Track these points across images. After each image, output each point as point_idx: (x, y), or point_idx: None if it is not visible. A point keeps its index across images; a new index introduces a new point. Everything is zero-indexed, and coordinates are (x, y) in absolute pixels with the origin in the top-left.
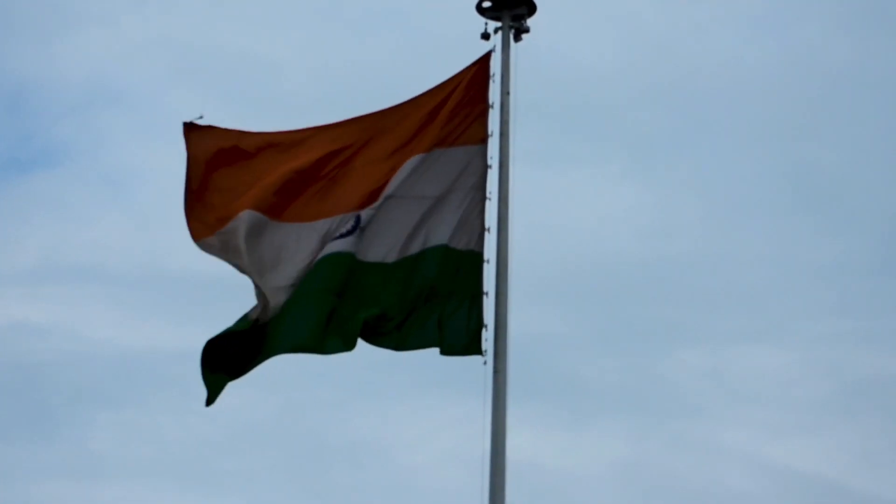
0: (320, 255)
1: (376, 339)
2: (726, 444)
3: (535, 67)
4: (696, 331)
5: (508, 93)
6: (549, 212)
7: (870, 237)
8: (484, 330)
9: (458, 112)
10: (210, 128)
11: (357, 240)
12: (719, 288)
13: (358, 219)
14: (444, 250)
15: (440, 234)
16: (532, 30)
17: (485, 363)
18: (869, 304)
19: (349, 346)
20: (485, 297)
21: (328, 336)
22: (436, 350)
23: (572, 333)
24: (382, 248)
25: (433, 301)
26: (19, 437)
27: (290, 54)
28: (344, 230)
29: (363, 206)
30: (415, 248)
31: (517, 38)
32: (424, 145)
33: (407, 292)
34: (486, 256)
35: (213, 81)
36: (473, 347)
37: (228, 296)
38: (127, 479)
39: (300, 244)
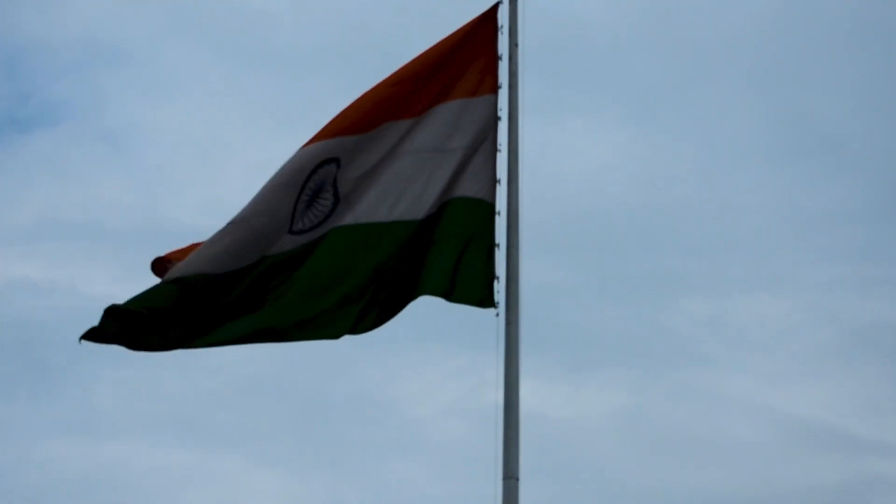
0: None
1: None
2: (728, 392)
3: (534, 18)
4: (697, 279)
5: (517, 45)
6: (549, 162)
7: (868, 183)
8: (496, 282)
9: (467, 64)
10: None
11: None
12: (719, 236)
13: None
14: (463, 201)
15: (461, 186)
16: None
17: (497, 315)
18: (869, 250)
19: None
20: (496, 248)
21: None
22: (439, 300)
23: (573, 284)
24: (383, 207)
25: (445, 245)
26: (21, 395)
27: (286, 6)
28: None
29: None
30: (435, 202)
31: None
32: (431, 100)
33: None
34: (497, 208)
35: (208, 35)
36: (488, 300)
37: None
38: (130, 435)
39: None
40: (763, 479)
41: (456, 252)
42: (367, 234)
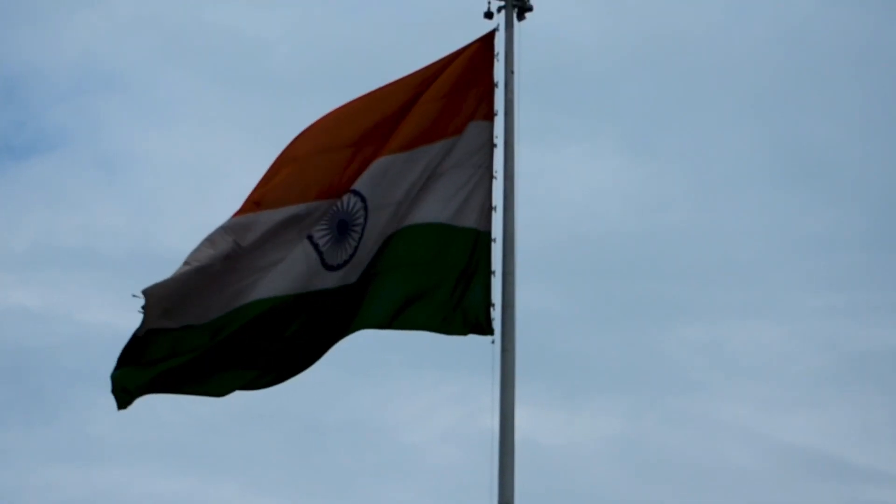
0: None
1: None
2: (724, 419)
3: (530, 46)
4: (692, 305)
5: (513, 72)
6: (544, 189)
7: (864, 209)
8: (492, 308)
9: (462, 92)
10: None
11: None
12: (714, 262)
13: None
14: (447, 228)
15: (442, 210)
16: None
17: (493, 342)
18: (864, 276)
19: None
20: (492, 275)
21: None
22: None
23: (567, 310)
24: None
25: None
26: (17, 422)
27: (280, 32)
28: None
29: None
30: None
31: (520, 17)
32: (421, 138)
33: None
34: (493, 235)
35: (203, 61)
36: (487, 327)
37: None
38: (126, 462)
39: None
40: None
41: (454, 284)
42: (435, 232)
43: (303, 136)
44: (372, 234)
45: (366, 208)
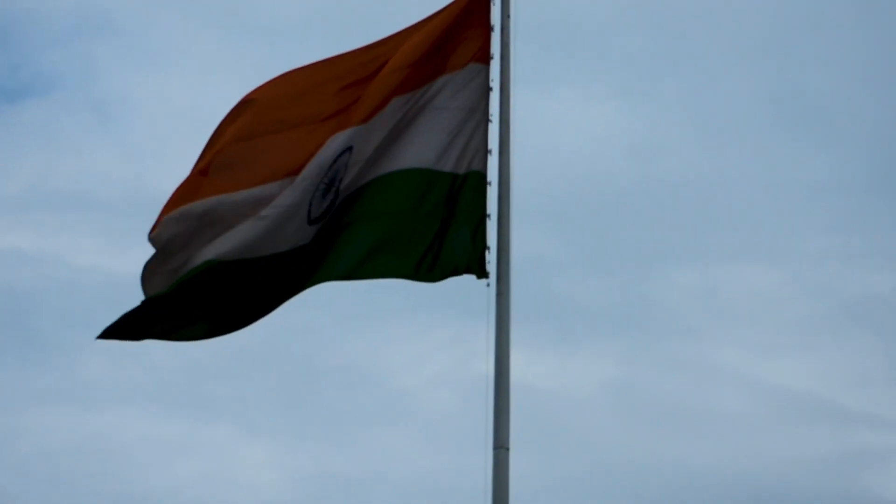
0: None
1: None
2: (718, 363)
3: None
4: (688, 251)
5: (509, 15)
6: (539, 133)
7: (859, 155)
8: (487, 252)
9: (462, 35)
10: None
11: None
12: (710, 207)
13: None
14: (420, 173)
15: (433, 156)
16: None
17: (488, 285)
18: (860, 222)
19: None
20: (487, 219)
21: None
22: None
23: (562, 254)
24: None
25: (432, 224)
26: (9, 364)
27: None
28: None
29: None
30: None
31: None
32: (421, 77)
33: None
34: (488, 178)
35: (198, 6)
36: (479, 270)
37: None
38: (118, 404)
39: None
40: (751, 450)
41: (446, 227)
42: (414, 177)
43: (269, 98)
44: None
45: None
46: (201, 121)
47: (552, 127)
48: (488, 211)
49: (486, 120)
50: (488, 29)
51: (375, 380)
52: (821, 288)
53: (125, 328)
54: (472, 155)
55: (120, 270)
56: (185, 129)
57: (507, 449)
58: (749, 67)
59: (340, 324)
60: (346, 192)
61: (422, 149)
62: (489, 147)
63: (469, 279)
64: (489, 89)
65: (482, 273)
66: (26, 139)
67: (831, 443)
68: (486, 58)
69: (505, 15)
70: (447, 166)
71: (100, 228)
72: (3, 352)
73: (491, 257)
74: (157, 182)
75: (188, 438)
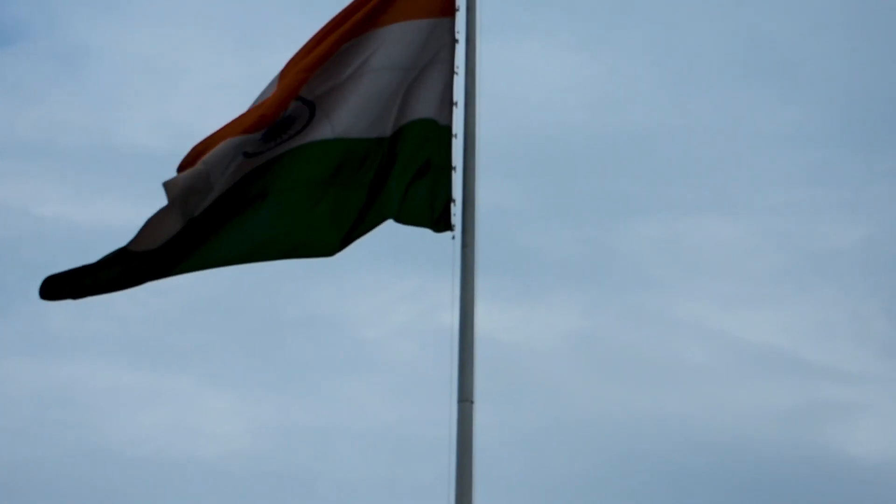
0: (285, 149)
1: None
2: (680, 315)
3: None
4: (651, 202)
5: None
6: (503, 85)
7: (826, 106)
8: (452, 204)
9: None
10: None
11: (325, 124)
12: (674, 159)
13: (313, 105)
14: (427, 123)
15: (421, 108)
16: None
17: (453, 238)
18: (825, 173)
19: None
20: (453, 171)
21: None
22: (392, 223)
23: (525, 206)
24: (362, 122)
25: (402, 168)
26: None
27: None
28: (299, 124)
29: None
30: (395, 123)
31: None
32: (385, 19)
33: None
34: (453, 131)
35: None
36: (443, 222)
37: None
38: (82, 355)
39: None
40: (714, 402)
41: (410, 175)
42: (349, 148)
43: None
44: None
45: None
46: (168, 70)
47: (516, 78)
48: (453, 163)
49: (452, 72)
50: None
51: (339, 330)
52: (785, 240)
53: (67, 285)
54: (438, 106)
55: (84, 220)
56: (152, 77)
57: (472, 402)
58: (714, 17)
59: (304, 274)
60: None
61: (359, 116)
62: (454, 99)
63: (432, 231)
64: (455, 41)
65: (447, 226)
66: None
67: (795, 396)
68: (451, 10)
69: None
70: (378, 132)
71: (64, 178)
72: None
73: (456, 209)
74: (124, 131)
75: (152, 389)
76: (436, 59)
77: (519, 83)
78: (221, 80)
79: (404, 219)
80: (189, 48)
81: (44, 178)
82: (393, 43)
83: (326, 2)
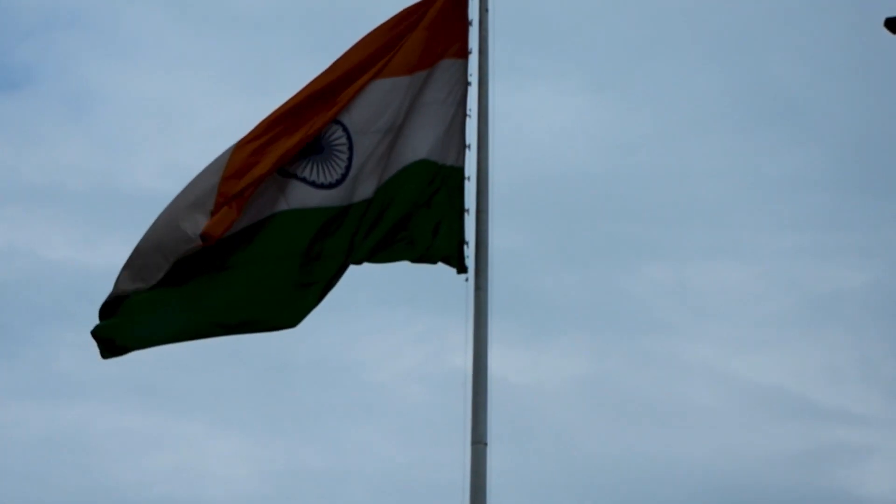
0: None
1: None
2: (690, 359)
3: None
4: (659, 246)
5: (487, 10)
6: (512, 127)
7: (830, 150)
8: (465, 247)
9: (437, 30)
10: None
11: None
12: (680, 203)
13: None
14: (426, 164)
15: (419, 148)
16: None
17: (466, 280)
18: (831, 217)
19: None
20: (466, 214)
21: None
22: (404, 265)
23: (533, 249)
24: (365, 185)
25: (414, 216)
26: None
27: None
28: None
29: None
30: (392, 171)
31: None
32: (400, 68)
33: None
34: (466, 173)
35: None
36: (459, 265)
37: None
38: (90, 398)
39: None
40: (723, 446)
41: (425, 218)
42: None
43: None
44: (366, 158)
45: (346, 130)
46: (174, 114)
47: (525, 121)
48: (466, 206)
49: (465, 115)
50: (466, 23)
51: (349, 374)
52: (792, 284)
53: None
54: (456, 150)
55: (91, 263)
56: (158, 122)
57: (486, 444)
58: (720, 61)
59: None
60: (369, 164)
61: (423, 141)
62: (467, 142)
63: (443, 274)
64: (468, 84)
65: (461, 268)
66: None
67: (803, 439)
68: (464, 53)
69: (483, 9)
70: (448, 160)
71: (71, 222)
72: None
73: (469, 252)
74: (130, 175)
75: (160, 432)
76: (446, 102)
77: (527, 126)
78: (228, 123)
79: (423, 258)
80: (196, 92)
81: (51, 222)
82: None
83: (334, 46)
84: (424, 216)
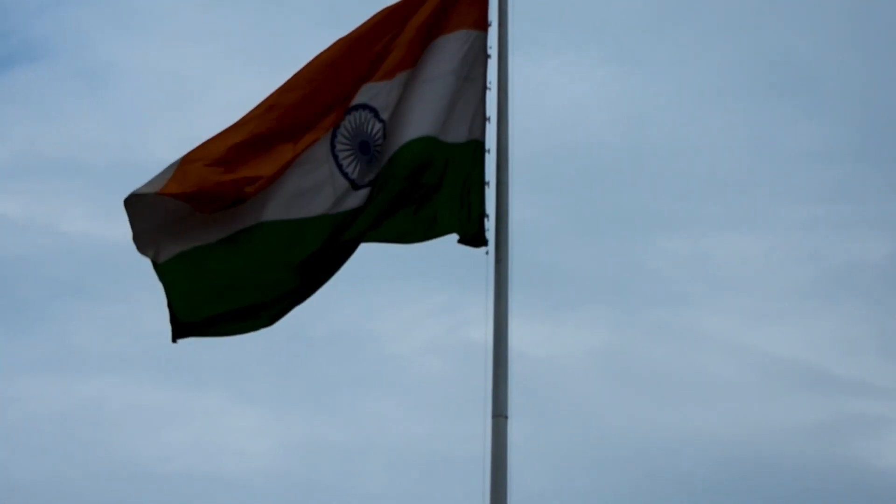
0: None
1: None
2: (707, 330)
3: None
4: (677, 218)
5: None
6: (531, 100)
7: (849, 122)
8: (486, 220)
9: (456, 2)
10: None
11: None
12: (699, 174)
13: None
14: (428, 141)
15: (422, 124)
16: None
17: (486, 253)
18: (849, 189)
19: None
20: (486, 187)
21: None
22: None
23: (551, 221)
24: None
25: (431, 191)
26: None
27: None
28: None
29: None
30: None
31: None
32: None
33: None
34: (486, 146)
35: None
36: (479, 238)
37: None
38: (108, 372)
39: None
40: (741, 417)
41: (443, 194)
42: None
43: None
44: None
45: (384, 126)
46: (190, 87)
47: (544, 94)
48: (486, 178)
49: (485, 87)
50: None
51: (367, 347)
52: (810, 255)
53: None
54: (471, 123)
55: (109, 237)
56: (175, 95)
57: (506, 417)
58: (737, 33)
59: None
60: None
61: (424, 117)
62: (487, 115)
63: (460, 246)
64: (488, 56)
65: (481, 241)
66: (14, 107)
67: (821, 410)
68: (484, 24)
69: None
70: (453, 136)
71: (88, 195)
72: None
73: (489, 225)
74: (147, 148)
75: (179, 405)
76: (464, 76)
77: (546, 98)
78: (245, 96)
79: (436, 232)
80: (212, 65)
81: (68, 196)
82: (436, 54)
83: (348, 20)
84: (443, 195)
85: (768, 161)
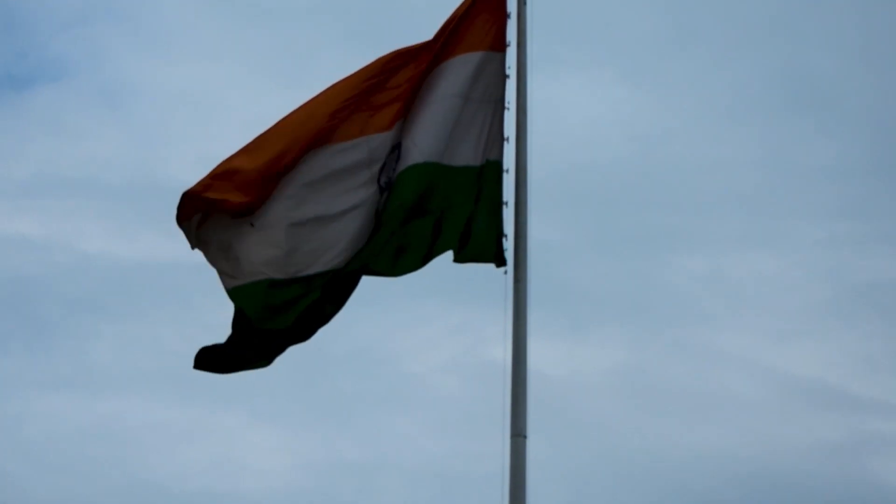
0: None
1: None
2: (727, 349)
3: None
4: (694, 236)
5: (525, 2)
6: (549, 119)
7: (866, 139)
8: (504, 239)
9: (476, 20)
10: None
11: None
12: (716, 192)
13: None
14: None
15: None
16: None
17: (505, 273)
18: (867, 206)
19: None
20: (504, 206)
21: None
22: (440, 257)
23: (569, 240)
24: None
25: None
26: (16, 351)
27: None
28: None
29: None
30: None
31: None
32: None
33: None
34: (505, 166)
35: None
36: (498, 258)
37: None
38: (127, 390)
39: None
40: (760, 436)
41: (461, 214)
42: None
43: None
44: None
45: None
46: (210, 106)
47: (561, 113)
48: (504, 199)
49: (503, 108)
50: (504, 16)
51: (386, 365)
52: (829, 273)
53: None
54: (485, 144)
55: (127, 256)
56: (194, 114)
57: (525, 437)
58: (755, 50)
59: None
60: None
61: (426, 140)
62: (506, 135)
63: (479, 265)
64: (506, 77)
65: (500, 261)
66: (33, 125)
67: (840, 429)
68: (501, 45)
69: (521, 2)
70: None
71: (107, 214)
72: (11, 338)
73: (508, 244)
74: (166, 167)
75: (196, 424)
76: (482, 97)
77: (563, 117)
78: (263, 115)
79: (467, 257)
80: (231, 84)
81: (88, 214)
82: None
83: (367, 38)
84: (453, 217)
85: (785, 178)
